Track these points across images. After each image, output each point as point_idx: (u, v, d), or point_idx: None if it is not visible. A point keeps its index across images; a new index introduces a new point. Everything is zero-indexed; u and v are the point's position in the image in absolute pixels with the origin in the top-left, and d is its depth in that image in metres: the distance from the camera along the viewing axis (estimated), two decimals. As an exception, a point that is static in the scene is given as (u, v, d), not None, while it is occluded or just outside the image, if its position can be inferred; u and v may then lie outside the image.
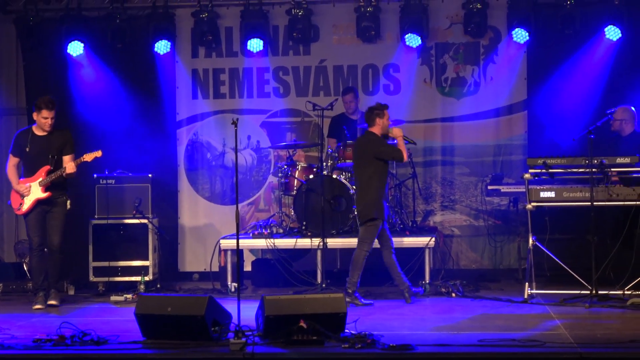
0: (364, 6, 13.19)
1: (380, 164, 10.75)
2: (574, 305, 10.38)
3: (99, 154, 11.24)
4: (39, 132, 11.15)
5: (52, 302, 11.09)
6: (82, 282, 12.57)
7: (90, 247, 12.50)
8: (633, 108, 11.79)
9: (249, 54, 13.48)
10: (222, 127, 13.68)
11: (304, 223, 12.09)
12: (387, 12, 13.40)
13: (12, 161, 11.25)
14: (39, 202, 11.08)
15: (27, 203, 11.07)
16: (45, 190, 11.05)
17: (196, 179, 13.85)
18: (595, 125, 10.88)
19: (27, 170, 11.19)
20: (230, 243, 11.99)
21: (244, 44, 13.42)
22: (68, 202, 11.21)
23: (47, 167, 11.06)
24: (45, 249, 11.20)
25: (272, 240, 11.95)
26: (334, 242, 11.89)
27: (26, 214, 11.14)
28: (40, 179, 11.05)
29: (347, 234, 12.04)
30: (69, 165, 11.01)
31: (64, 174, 11.05)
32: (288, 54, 13.72)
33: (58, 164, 11.08)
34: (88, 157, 11.17)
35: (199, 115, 13.83)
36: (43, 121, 11.05)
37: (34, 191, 11.06)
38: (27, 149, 11.10)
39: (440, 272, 12.16)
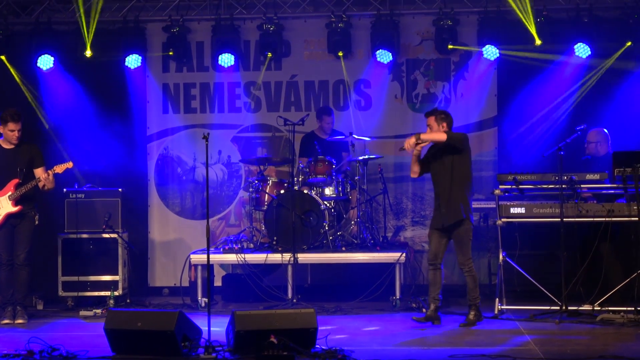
0: (335, 22, 13.22)
1: None
2: (544, 320, 10.43)
3: (70, 165, 11.17)
4: (6, 146, 11.08)
5: (19, 320, 10.96)
6: (51, 297, 12.47)
7: (60, 262, 12.41)
8: (605, 130, 11.84)
9: (220, 68, 13.48)
10: (193, 141, 13.65)
11: (275, 238, 12.06)
12: (358, 28, 13.43)
13: None
14: (9, 217, 11.00)
15: (-3, 219, 11.02)
16: (16, 204, 10.97)
17: (166, 193, 13.81)
18: (565, 141, 10.94)
19: (-6, 184, 11.12)
20: (200, 258, 11.95)
21: (215, 58, 13.42)
22: (36, 217, 11.13)
23: (15, 181, 10.98)
24: (14, 264, 11.09)
25: (242, 255, 11.92)
26: (304, 258, 11.86)
27: (-4, 229, 11.08)
28: (10, 193, 10.96)
29: (318, 250, 12.04)
30: (48, 180, 10.93)
31: (45, 188, 10.98)
32: (259, 69, 13.72)
33: (27, 177, 11.00)
34: (59, 169, 11.09)
35: (170, 129, 13.80)
36: (10, 134, 10.98)
37: (4, 205, 10.97)
38: None
39: (411, 287, 12.20)
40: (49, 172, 10.98)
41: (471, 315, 10.35)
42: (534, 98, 13.11)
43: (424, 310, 11.26)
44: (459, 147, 10.25)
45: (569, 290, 10.63)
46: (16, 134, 10.98)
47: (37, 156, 11.16)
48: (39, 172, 11.04)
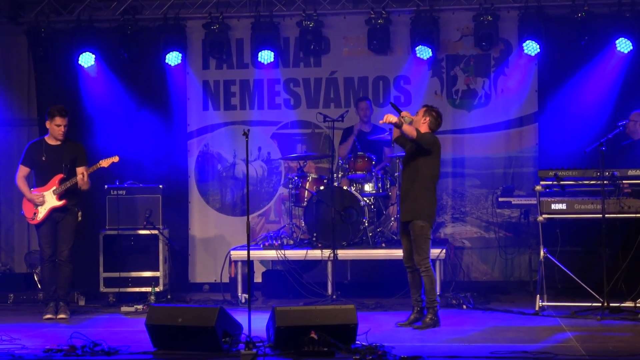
0: (374, 18, 13.20)
1: None
2: (585, 317, 10.36)
3: (115, 159, 11.26)
4: (51, 142, 11.17)
5: (62, 315, 11.07)
6: (92, 293, 12.58)
7: (101, 258, 12.51)
8: None
9: (260, 65, 13.51)
10: (233, 138, 13.70)
11: (315, 234, 12.08)
12: (397, 24, 13.41)
13: (23, 172, 11.25)
14: (53, 211, 11.10)
15: (42, 212, 11.09)
16: (60, 199, 11.08)
17: (207, 190, 13.87)
18: (606, 137, 10.85)
19: (39, 180, 11.19)
20: (240, 254, 12.00)
21: (254, 55, 13.46)
22: (79, 214, 11.23)
23: (60, 176, 11.08)
24: (56, 260, 11.20)
25: (282, 251, 11.95)
26: (344, 254, 11.87)
27: (39, 224, 11.15)
28: (54, 188, 11.07)
29: (357, 246, 12.04)
30: (83, 182, 11.03)
31: (81, 189, 11.09)
32: (299, 65, 13.74)
33: (71, 173, 11.11)
34: (105, 163, 11.19)
35: (210, 126, 13.85)
36: (56, 129, 11.07)
37: (49, 200, 11.08)
38: (44, 158, 11.11)
39: (451, 284, 12.16)
40: (84, 172, 11.06)
41: (427, 319, 10.04)
42: (575, 93, 13.01)
43: (464, 306, 11.26)
44: (427, 148, 10.01)
45: (611, 287, 10.55)
46: (62, 129, 11.07)
47: (81, 155, 11.27)
48: (80, 171, 11.13)
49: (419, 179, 10.08)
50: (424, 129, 10.16)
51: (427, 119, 10.15)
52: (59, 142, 11.17)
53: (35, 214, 11.12)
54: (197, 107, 13.88)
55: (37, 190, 11.13)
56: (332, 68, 13.67)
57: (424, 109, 10.26)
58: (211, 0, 13.51)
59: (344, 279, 12.92)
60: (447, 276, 12.36)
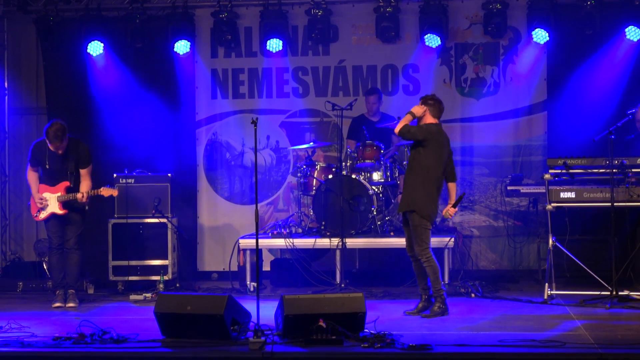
0: (383, 6, 13.17)
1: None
2: (594, 306, 10.36)
3: (115, 192, 11.28)
4: (53, 148, 11.11)
5: (71, 304, 11.11)
6: (101, 281, 12.60)
7: (110, 247, 12.52)
8: None
9: (268, 54, 13.48)
10: (241, 127, 13.69)
11: (323, 223, 12.08)
12: (406, 13, 13.36)
13: (31, 170, 11.26)
14: (53, 215, 11.12)
15: (44, 214, 11.14)
16: (63, 208, 11.08)
17: (215, 178, 13.87)
18: (615, 125, 10.81)
19: (47, 179, 11.20)
20: (249, 243, 12.01)
21: (263, 44, 13.43)
22: (86, 203, 11.23)
23: (66, 184, 11.08)
24: (64, 248, 11.22)
25: (291, 240, 11.96)
26: (353, 242, 11.88)
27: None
28: (59, 194, 11.08)
29: (366, 234, 12.04)
30: (82, 201, 11.03)
31: (78, 201, 11.08)
32: (307, 54, 13.71)
33: (77, 180, 11.13)
34: (105, 192, 11.18)
35: (218, 115, 13.84)
36: (53, 149, 11.00)
37: (52, 204, 11.09)
38: (47, 166, 11.11)
39: (460, 272, 12.14)
40: (85, 193, 11.05)
41: (435, 307, 10.01)
42: (585, 82, 12.95)
43: (473, 295, 11.26)
44: (418, 139, 10.06)
45: (620, 276, 10.56)
46: (59, 151, 11.01)
47: (83, 156, 11.21)
48: (84, 172, 11.16)
49: (415, 171, 10.10)
50: (429, 121, 10.16)
51: (427, 109, 10.15)
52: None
53: (39, 211, 11.15)
54: (206, 96, 13.87)
55: (44, 189, 11.13)
56: (340, 56, 13.65)
57: (420, 102, 10.24)
58: (219, -12, 13.51)
59: (353, 268, 12.91)
60: (456, 265, 12.35)
